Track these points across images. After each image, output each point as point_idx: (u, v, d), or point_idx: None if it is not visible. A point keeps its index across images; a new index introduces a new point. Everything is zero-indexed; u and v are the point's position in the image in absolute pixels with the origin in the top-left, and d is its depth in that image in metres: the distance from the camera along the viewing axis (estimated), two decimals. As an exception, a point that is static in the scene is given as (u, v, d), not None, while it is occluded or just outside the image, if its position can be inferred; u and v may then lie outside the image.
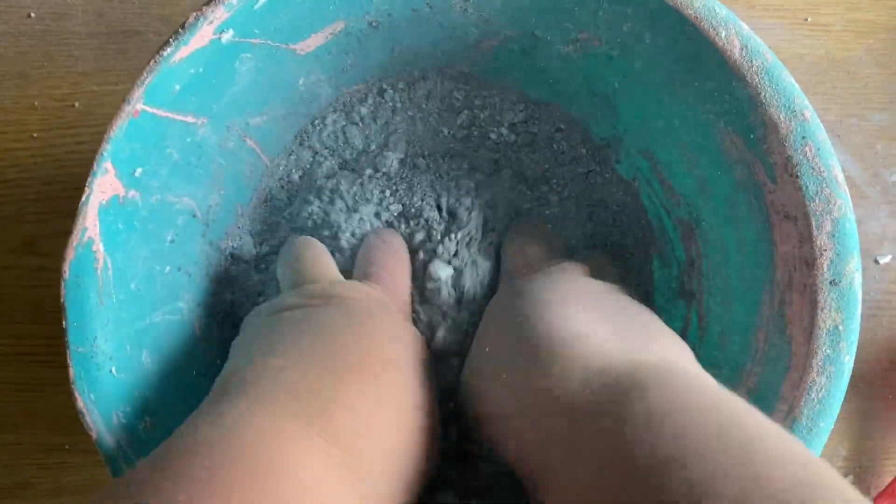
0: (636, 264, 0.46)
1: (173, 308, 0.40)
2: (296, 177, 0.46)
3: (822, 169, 0.33)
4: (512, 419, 0.32)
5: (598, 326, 0.32)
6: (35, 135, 0.51)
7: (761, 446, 0.23)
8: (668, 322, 0.37)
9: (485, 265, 0.43)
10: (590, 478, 0.26)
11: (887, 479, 0.52)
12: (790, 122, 0.33)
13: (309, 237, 0.43)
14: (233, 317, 0.44)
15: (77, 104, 0.51)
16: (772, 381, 0.35)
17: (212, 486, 0.23)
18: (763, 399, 0.35)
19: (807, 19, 0.54)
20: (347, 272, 0.42)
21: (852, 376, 0.33)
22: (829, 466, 0.23)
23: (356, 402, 0.30)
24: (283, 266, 0.42)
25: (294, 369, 0.31)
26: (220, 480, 0.23)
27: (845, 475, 0.53)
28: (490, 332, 0.37)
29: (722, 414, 0.24)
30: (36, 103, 0.51)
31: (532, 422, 0.31)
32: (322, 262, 0.41)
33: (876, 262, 0.52)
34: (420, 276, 0.43)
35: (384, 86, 0.46)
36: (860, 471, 0.53)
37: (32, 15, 0.52)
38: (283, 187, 0.46)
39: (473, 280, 0.42)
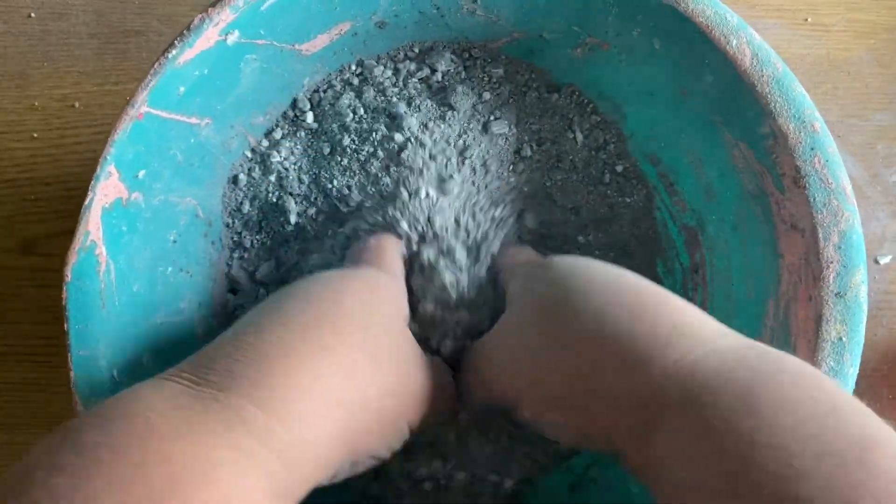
0: (640, 269, 0.45)
1: (175, 309, 0.39)
2: None
3: (830, 180, 0.33)
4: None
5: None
6: (35, 135, 0.50)
7: None
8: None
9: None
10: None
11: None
12: (799, 132, 0.34)
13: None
14: (233, 316, 0.44)
15: (77, 104, 0.51)
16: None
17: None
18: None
19: (807, 19, 0.54)
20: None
21: (853, 376, 0.33)
22: None
23: (306, 375, 0.29)
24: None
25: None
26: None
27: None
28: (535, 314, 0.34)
29: None
30: (36, 103, 0.51)
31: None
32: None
33: (876, 262, 0.52)
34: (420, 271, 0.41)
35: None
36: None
37: (33, 15, 0.52)
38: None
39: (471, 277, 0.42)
